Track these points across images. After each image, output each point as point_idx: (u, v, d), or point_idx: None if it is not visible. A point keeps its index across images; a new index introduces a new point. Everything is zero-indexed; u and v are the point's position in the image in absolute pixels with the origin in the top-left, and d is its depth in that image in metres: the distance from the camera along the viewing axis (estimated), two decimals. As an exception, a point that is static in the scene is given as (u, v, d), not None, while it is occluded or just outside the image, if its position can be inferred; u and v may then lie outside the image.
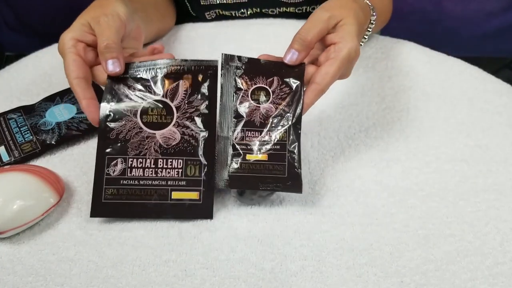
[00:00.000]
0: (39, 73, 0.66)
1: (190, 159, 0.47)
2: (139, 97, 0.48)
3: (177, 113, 0.48)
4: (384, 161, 0.54)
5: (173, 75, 0.48)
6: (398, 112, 0.60)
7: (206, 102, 0.48)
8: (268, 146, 0.47)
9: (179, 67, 0.49)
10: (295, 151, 0.47)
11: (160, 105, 0.48)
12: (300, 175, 0.47)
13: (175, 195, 0.47)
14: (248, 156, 0.47)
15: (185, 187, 0.47)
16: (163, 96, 0.48)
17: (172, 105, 0.48)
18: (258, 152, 0.47)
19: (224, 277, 0.44)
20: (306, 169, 0.53)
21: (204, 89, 0.48)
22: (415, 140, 0.57)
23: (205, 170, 0.47)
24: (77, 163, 0.54)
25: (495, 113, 0.60)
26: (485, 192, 0.51)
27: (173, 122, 0.48)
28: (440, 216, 0.49)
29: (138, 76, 0.48)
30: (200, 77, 0.48)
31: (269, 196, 0.50)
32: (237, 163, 0.47)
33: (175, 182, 0.47)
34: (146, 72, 0.48)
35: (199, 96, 0.48)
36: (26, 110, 0.58)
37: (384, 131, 0.58)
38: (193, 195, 0.47)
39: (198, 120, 0.48)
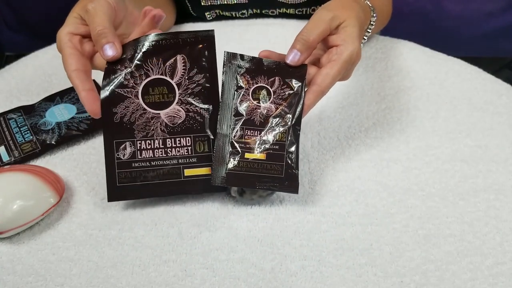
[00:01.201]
0: (39, 73, 0.66)
1: (198, 136, 0.47)
2: (138, 77, 0.47)
3: (178, 90, 0.47)
4: (384, 161, 0.54)
5: (169, 50, 0.47)
6: (398, 112, 0.60)
7: (207, 75, 0.47)
8: (267, 146, 0.47)
9: (174, 40, 0.47)
10: (294, 152, 0.47)
11: (160, 84, 0.47)
12: (297, 176, 0.47)
13: (188, 172, 0.47)
14: (246, 155, 0.47)
15: (196, 164, 0.47)
16: (162, 74, 0.47)
17: (173, 82, 0.47)
18: (257, 151, 0.47)
19: (224, 277, 0.44)
20: (306, 169, 0.53)
21: (203, 61, 0.48)
22: (415, 140, 0.57)
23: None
24: (77, 163, 0.54)
25: (495, 113, 0.60)
26: (485, 192, 0.51)
27: (176, 100, 0.47)
28: (440, 216, 0.49)
29: (135, 55, 0.47)
30: (197, 49, 0.47)
31: (269, 196, 0.50)
32: (235, 161, 0.47)
33: (186, 160, 0.47)
34: (141, 49, 0.47)
35: (199, 69, 0.47)
36: (26, 110, 0.58)
37: (384, 131, 0.58)
38: (205, 170, 0.47)
39: (200, 95, 0.47)
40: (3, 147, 0.54)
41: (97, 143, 0.56)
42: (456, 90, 0.63)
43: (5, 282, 0.44)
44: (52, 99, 0.60)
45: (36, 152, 0.54)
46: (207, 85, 0.47)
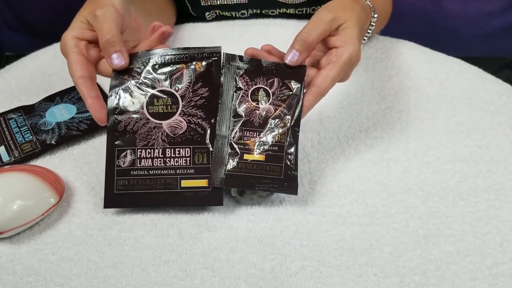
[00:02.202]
0: (39, 73, 0.66)
1: (198, 147, 0.47)
2: (144, 88, 0.48)
3: (182, 102, 0.48)
4: (384, 161, 0.54)
5: (176, 64, 0.48)
6: (398, 112, 0.60)
7: (211, 89, 0.48)
8: (266, 147, 0.47)
9: (182, 55, 0.49)
10: (293, 153, 0.47)
11: (165, 95, 0.48)
12: (296, 177, 0.47)
13: (185, 183, 0.47)
14: (245, 156, 0.47)
15: (194, 175, 0.47)
16: (167, 86, 0.48)
17: (177, 94, 0.48)
18: (256, 153, 0.47)
19: (224, 277, 0.44)
20: (306, 169, 0.53)
21: (209, 76, 0.48)
22: (415, 140, 0.57)
23: None
24: (77, 163, 0.54)
25: (495, 113, 0.60)
26: (485, 192, 0.51)
27: (179, 111, 0.48)
28: (440, 216, 0.49)
29: (142, 66, 0.48)
30: (204, 64, 0.48)
31: (269, 196, 0.50)
32: (234, 162, 0.47)
33: (184, 171, 0.47)
34: (149, 62, 0.48)
35: (204, 83, 0.48)
36: (26, 110, 0.58)
37: (384, 131, 0.58)
38: (202, 182, 0.47)
39: (203, 108, 0.48)
40: (3, 147, 0.54)
41: (97, 143, 0.56)
42: (456, 90, 0.63)
43: (5, 282, 0.44)
44: (52, 99, 0.60)
45: (36, 152, 0.54)
46: (210, 98, 0.48)
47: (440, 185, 0.52)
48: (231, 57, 0.48)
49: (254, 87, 0.48)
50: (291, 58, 0.47)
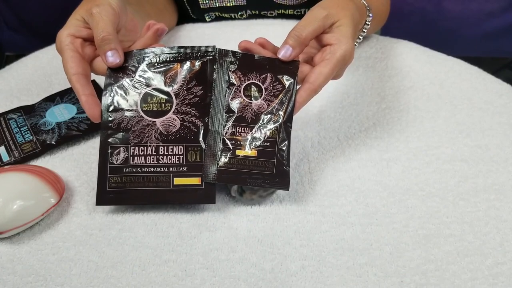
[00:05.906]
0: (39, 73, 0.66)
1: (191, 145, 0.47)
2: (138, 86, 0.48)
3: (176, 100, 0.48)
4: (384, 161, 0.54)
5: (171, 63, 0.49)
6: (398, 112, 0.60)
7: (205, 88, 0.48)
8: (258, 143, 0.47)
9: (177, 54, 0.49)
10: (285, 149, 0.47)
11: (159, 93, 0.48)
12: (288, 172, 0.47)
13: (177, 181, 0.47)
14: (237, 152, 0.47)
15: (186, 173, 0.47)
16: (162, 84, 0.48)
17: (171, 92, 0.48)
18: (248, 148, 0.47)
19: (224, 277, 0.44)
20: (306, 169, 0.53)
21: (203, 75, 0.48)
22: (415, 140, 0.57)
23: None
24: (77, 163, 0.54)
25: (495, 113, 0.60)
26: (485, 192, 0.51)
27: (173, 109, 0.48)
28: (440, 216, 0.49)
29: (137, 65, 0.48)
30: (198, 63, 0.49)
31: (269, 196, 0.50)
32: (226, 158, 0.47)
33: (177, 169, 0.47)
34: (144, 60, 0.48)
35: (198, 82, 0.48)
36: (26, 110, 0.58)
37: (384, 131, 0.58)
38: (195, 180, 0.47)
39: (197, 106, 0.48)
40: (3, 147, 0.54)
41: (97, 143, 0.56)
42: (456, 90, 0.63)
43: (5, 282, 0.44)
44: (52, 99, 0.60)
45: (36, 152, 0.54)
46: (204, 97, 0.48)
47: (440, 185, 0.52)
48: (224, 53, 0.49)
49: (247, 82, 0.48)
50: (284, 53, 0.48)
